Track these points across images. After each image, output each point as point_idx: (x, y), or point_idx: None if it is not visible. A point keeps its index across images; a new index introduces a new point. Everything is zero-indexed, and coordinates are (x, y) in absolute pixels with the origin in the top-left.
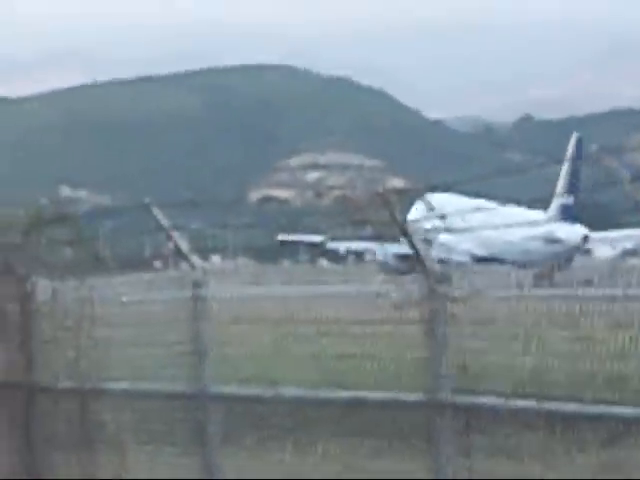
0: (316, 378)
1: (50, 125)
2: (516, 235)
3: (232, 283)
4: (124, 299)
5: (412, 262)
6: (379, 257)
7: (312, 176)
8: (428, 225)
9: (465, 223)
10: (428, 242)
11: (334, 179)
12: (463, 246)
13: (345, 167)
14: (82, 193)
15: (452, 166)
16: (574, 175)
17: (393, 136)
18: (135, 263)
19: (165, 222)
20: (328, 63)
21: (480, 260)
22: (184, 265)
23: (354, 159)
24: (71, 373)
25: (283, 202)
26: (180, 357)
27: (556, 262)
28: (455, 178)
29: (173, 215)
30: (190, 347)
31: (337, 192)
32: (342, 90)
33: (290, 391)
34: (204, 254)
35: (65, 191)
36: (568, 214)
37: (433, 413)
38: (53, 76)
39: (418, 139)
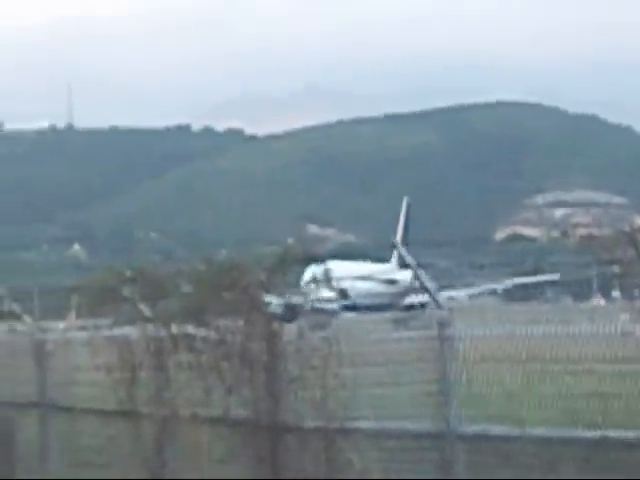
0: (562, 417)
1: (296, 163)
2: (371, 284)
3: (477, 321)
4: (372, 337)
5: None
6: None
7: (558, 213)
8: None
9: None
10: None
11: (580, 217)
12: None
13: (591, 205)
14: (329, 231)
15: None
16: (406, 230)
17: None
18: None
19: (410, 260)
20: (573, 99)
21: (346, 308)
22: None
23: (600, 197)
24: (317, 412)
25: (531, 240)
26: (426, 396)
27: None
28: None
29: (421, 254)
30: (436, 386)
31: (583, 230)
32: (589, 127)
33: (537, 430)
34: (449, 290)
35: (313, 229)
36: (403, 262)
37: None
38: (297, 114)
39: None
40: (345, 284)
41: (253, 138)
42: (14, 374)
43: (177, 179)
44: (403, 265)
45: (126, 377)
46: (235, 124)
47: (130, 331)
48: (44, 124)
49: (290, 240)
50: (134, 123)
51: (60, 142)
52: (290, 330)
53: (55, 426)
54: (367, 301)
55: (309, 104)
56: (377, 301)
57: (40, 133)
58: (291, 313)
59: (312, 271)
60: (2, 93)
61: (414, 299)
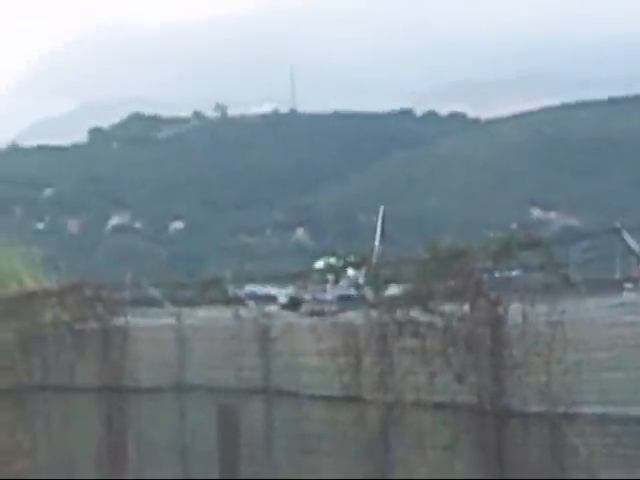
0: None
1: (519, 147)
2: None
3: None
4: (600, 321)
5: None
6: None
7: None
8: None
9: None
10: None
11: None
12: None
13: None
14: (552, 215)
15: None
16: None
17: None
18: (605, 286)
19: (635, 246)
20: None
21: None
22: None
23: None
24: (541, 398)
25: None
26: None
27: None
28: None
29: None
30: None
31: None
32: None
33: None
34: None
35: (536, 213)
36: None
37: None
38: (520, 98)
39: None
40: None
41: (476, 122)
42: (239, 360)
43: (400, 163)
44: None
45: (350, 363)
46: (458, 108)
47: (354, 317)
48: (267, 109)
49: (514, 224)
50: (356, 107)
51: (283, 126)
52: None
53: (279, 412)
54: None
55: (532, 88)
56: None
57: (263, 118)
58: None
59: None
60: (226, 79)
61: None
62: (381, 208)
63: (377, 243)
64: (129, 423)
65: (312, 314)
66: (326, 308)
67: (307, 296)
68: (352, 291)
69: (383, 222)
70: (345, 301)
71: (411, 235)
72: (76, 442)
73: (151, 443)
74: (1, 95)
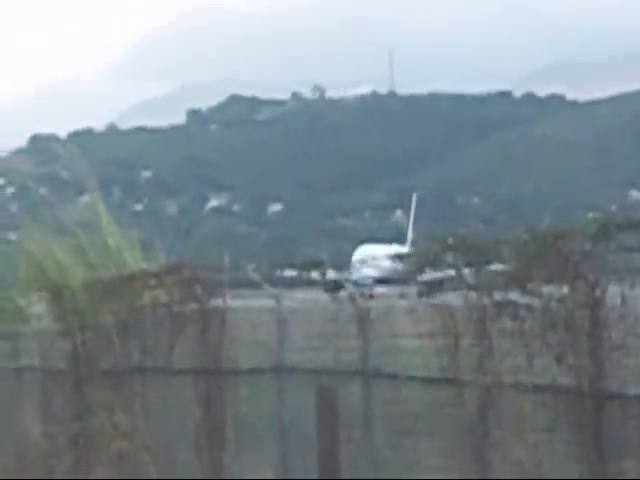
0: None
1: (618, 129)
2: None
3: None
4: None
5: None
6: None
7: None
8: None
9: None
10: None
11: None
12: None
13: None
14: None
15: None
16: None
17: None
18: None
19: None
20: None
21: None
22: None
23: None
24: None
25: None
26: None
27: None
28: None
29: None
30: None
31: None
32: None
33: None
34: None
35: (635, 195)
36: None
37: None
38: (618, 80)
39: None
40: (379, 263)
41: (574, 104)
42: (337, 342)
43: (498, 145)
44: None
45: (449, 345)
46: (556, 90)
47: (453, 298)
48: (366, 90)
49: (613, 206)
50: (454, 89)
51: (381, 108)
52: None
53: (378, 393)
54: (395, 276)
55: (630, 70)
56: (396, 276)
57: (361, 99)
58: (336, 285)
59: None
60: (324, 61)
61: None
62: (414, 196)
63: (410, 229)
64: (227, 405)
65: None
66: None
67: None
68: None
69: (416, 208)
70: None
71: (509, 216)
72: (174, 424)
73: (249, 425)
74: (100, 78)
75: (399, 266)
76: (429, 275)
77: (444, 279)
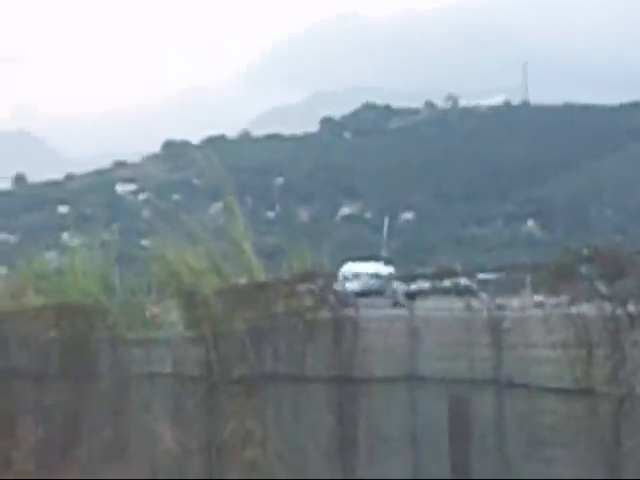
0: None
1: None
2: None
3: None
4: None
5: None
6: None
7: None
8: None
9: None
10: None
11: None
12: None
13: None
14: None
15: None
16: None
17: None
18: None
19: None
20: None
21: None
22: None
23: None
24: None
25: None
26: None
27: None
28: None
29: None
30: None
31: None
32: None
33: None
34: None
35: None
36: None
37: None
38: None
39: None
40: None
41: None
42: (470, 351)
43: (633, 156)
44: None
45: (582, 355)
46: None
47: (587, 309)
48: (499, 100)
49: None
50: (587, 99)
51: (514, 118)
52: None
53: (511, 404)
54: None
55: None
56: (374, 289)
57: (494, 109)
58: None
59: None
60: (457, 69)
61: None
62: (386, 219)
63: (384, 248)
64: (360, 413)
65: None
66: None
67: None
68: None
69: (388, 230)
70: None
71: None
72: (306, 431)
73: (381, 433)
74: (231, 85)
75: (376, 281)
76: (403, 287)
77: (419, 291)
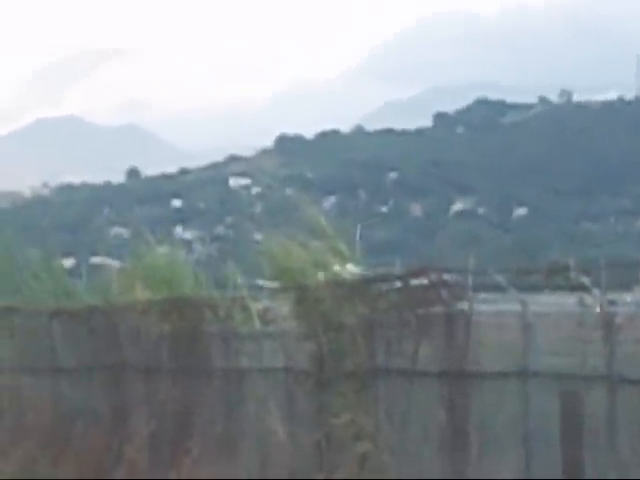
0: None
1: None
2: None
3: None
4: None
5: None
6: None
7: None
8: None
9: None
10: None
11: None
12: None
13: None
14: None
15: None
16: None
17: None
18: None
19: None
20: None
21: None
22: None
23: None
24: None
25: None
26: None
27: None
28: None
29: None
30: None
31: None
32: None
33: None
34: None
35: None
36: None
37: None
38: None
39: None
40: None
41: None
42: (582, 347)
43: None
44: None
45: None
46: None
47: None
48: (612, 95)
49: None
50: None
51: (627, 113)
52: None
53: (622, 400)
54: None
55: None
56: None
57: (607, 104)
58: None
59: None
60: (571, 64)
61: None
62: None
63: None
64: (471, 408)
65: None
66: None
67: None
68: None
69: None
70: None
71: None
72: (417, 426)
73: (493, 428)
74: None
75: None
76: None
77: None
